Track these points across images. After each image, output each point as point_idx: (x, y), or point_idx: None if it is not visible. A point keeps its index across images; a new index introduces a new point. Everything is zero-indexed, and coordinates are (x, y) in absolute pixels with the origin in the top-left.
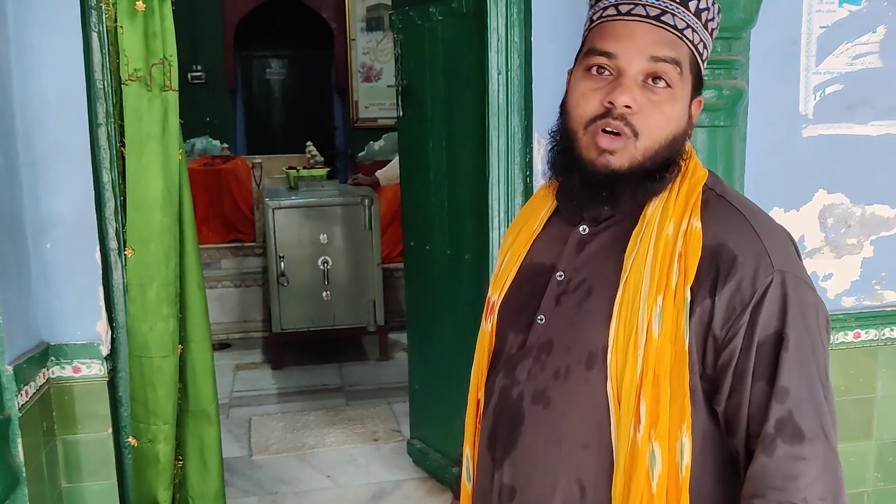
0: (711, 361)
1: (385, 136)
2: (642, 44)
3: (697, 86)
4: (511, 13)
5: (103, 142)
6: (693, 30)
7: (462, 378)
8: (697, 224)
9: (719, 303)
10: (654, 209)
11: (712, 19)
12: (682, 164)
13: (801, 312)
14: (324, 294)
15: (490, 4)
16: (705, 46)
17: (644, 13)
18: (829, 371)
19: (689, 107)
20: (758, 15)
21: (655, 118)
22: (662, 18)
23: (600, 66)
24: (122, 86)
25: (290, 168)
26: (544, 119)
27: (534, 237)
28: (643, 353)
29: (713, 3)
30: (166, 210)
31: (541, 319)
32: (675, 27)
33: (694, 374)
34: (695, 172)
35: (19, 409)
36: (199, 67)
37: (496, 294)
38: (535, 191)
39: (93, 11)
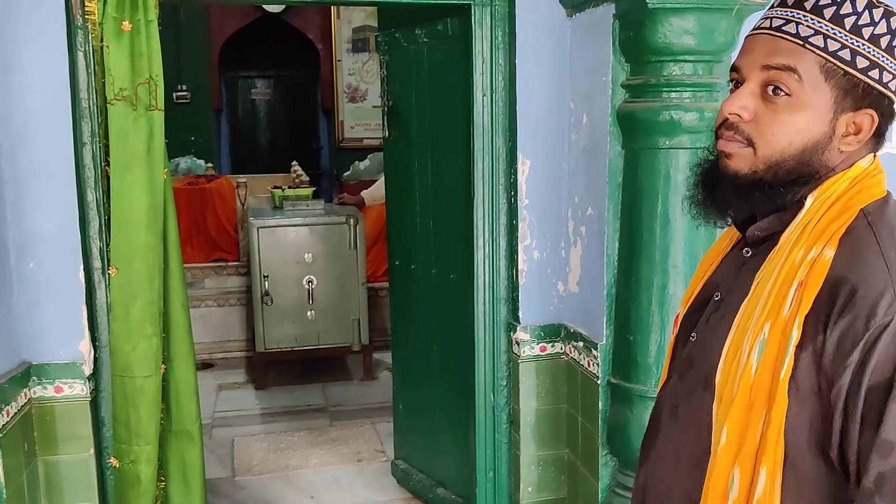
0: (826, 402)
1: (370, 156)
2: (758, 55)
3: (858, 97)
4: (496, 36)
5: (88, 160)
6: (828, 36)
7: (446, 398)
8: (829, 253)
9: (830, 338)
10: (791, 231)
11: (872, 24)
12: (833, 184)
13: None
14: (308, 313)
15: (475, 27)
16: (859, 54)
17: (769, 25)
18: None
19: (836, 119)
20: (739, 37)
21: (770, 126)
22: (784, 28)
23: (735, 81)
24: (108, 105)
25: (276, 187)
26: (528, 140)
27: (722, 255)
28: (741, 378)
29: (872, 8)
30: (151, 229)
31: (693, 337)
32: (797, 35)
33: (805, 412)
34: (856, 195)
35: (1, 429)
36: (184, 87)
37: (682, 308)
38: (519, 210)
39: (79, 31)
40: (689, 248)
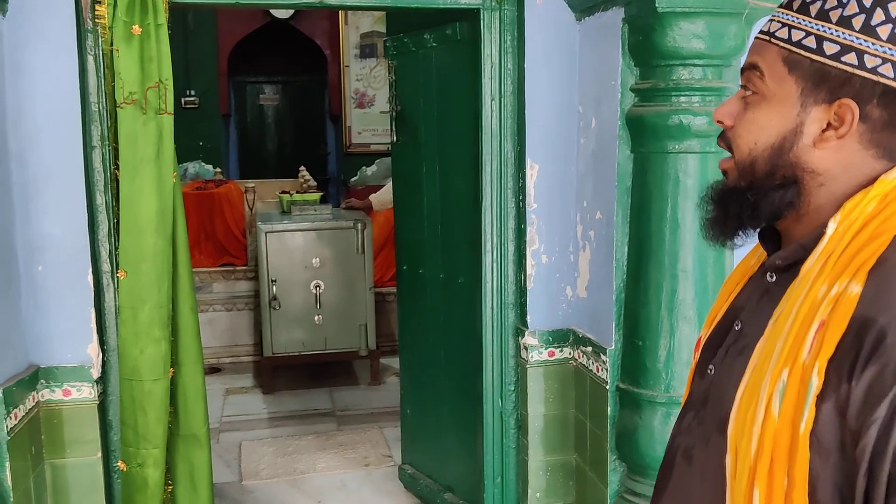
0: (851, 458)
1: (377, 161)
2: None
3: (833, 88)
4: (504, 40)
5: (97, 164)
6: (792, 27)
7: (453, 402)
8: (856, 289)
9: (856, 390)
10: (813, 262)
11: (839, 6)
12: (858, 204)
13: None
14: (315, 318)
15: (484, 31)
16: (826, 39)
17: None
18: None
19: (804, 112)
20: (748, 41)
21: (738, 127)
22: (762, 29)
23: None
24: (117, 108)
25: (283, 192)
26: (537, 144)
27: (748, 275)
28: (759, 431)
29: None
30: (160, 232)
31: (710, 370)
32: (766, 32)
33: (827, 469)
34: (888, 219)
35: (7, 432)
36: (192, 92)
37: (704, 330)
38: (527, 214)
39: (89, 34)
40: (699, 252)
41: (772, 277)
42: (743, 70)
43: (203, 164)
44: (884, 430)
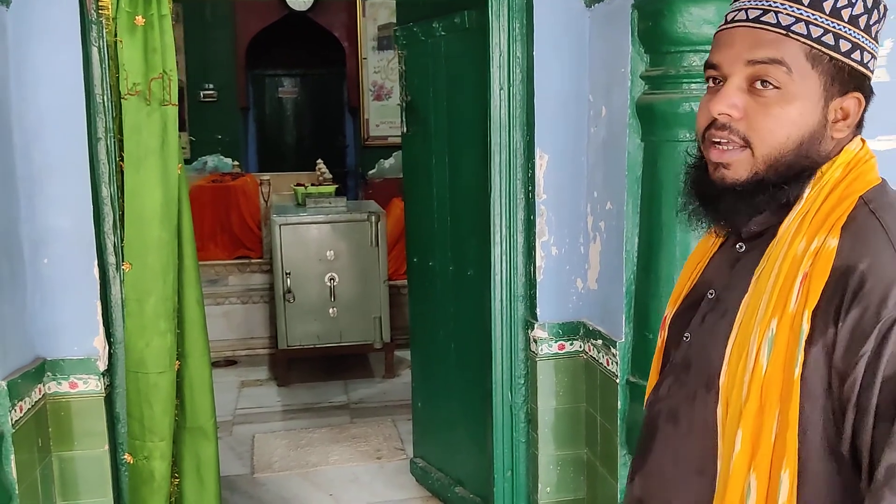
0: (837, 398)
1: (395, 154)
2: (740, 49)
3: (844, 81)
4: (513, 28)
5: (102, 156)
6: (810, 23)
7: (463, 396)
8: (833, 243)
9: (842, 331)
10: (789, 223)
11: (849, 5)
12: (826, 172)
13: None
14: (330, 311)
15: (492, 20)
16: (841, 37)
17: (745, 17)
18: None
19: (826, 106)
20: None
21: (765, 122)
22: (762, 19)
23: (713, 78)
24: (122, 100)
25: (299, 185)
26: (546, 133)
27: (710, 254)
28: (749, 379)
29: None
30: (164, 224)
31: (686, 338)
32: (777, 25)
33: (816, 411)
34: (852, 182)
35: (13, 424)
36: (210, 86)
37: (669, 309)
38: (536, 206)
39: (93, 26)
40: None
41: (741, 248)
42: (754, 63)
43: (222, 157)
44: (870, 364)
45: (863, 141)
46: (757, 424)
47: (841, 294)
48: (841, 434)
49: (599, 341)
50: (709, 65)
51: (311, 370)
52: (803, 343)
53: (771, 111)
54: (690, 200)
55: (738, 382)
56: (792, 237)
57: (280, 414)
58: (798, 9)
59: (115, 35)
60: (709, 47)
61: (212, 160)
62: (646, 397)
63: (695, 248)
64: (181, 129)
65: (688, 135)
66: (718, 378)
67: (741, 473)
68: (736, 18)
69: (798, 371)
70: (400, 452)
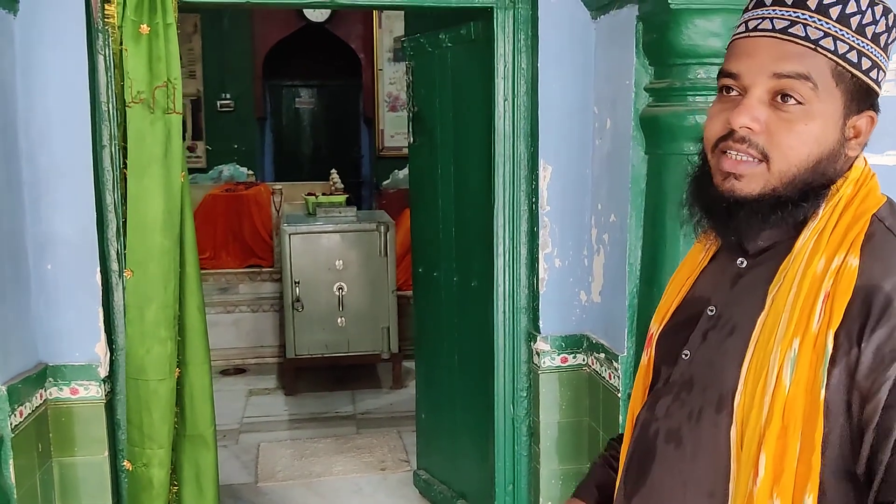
0: (857, 418)
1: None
2: (765, 60)
3: (861, 100)
4: (518, 40)
5: (107, 163)
6: (837, 38)
7: (467, 408)
8: (854, 262)
9: (866, 351)
10: (805, 240)
11: (873, 22)
12: (839, 188)
13: None
14: (338, 320)
15: (497, 31)
16: (864, 55)
17: (770, 27)
18: None
19: (844, 124)
20: None
21: (787, 139)
22: (790, 30)
23: (728, 87)
24: (126, 108)
25: (309, 194)
26: (550, 145)
27: (700, 269)
28: (770, 400)
29: (873, 6)
30: (166, 232)
31: (685, 355)
32: (806, 38)
33: (835, 432)
34: (864, 200)
35: (13, 429)
36: (227, 96)
37: (655, 326)
38: (540, 217)
39: (99, 34)
40: None
41: (742, 264)
42: (780, 76)
43: (238, 166)
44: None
45: (864, 158)
46: (780, 447)
47: (865, 314)
48: (857, 455)
49: (602, 355)
50: (725, 73)
51: (319, 380)
52: (827, 363)
53: (794, 127)
54: (693, 212)
55: (758, 403)
56: (809, 255)
57: (286, 423)
58: (827, 23)
59: (121, 43)
60: (714, 59)
61: (227, 169)
62: (630, 415)
63: (681, 262)
64: (198, 138)
65: (693, 147)
66: (731, 398)
67: (764, 499)
68: (759, 27)
69: (823, 392)
70: (404, 464)
